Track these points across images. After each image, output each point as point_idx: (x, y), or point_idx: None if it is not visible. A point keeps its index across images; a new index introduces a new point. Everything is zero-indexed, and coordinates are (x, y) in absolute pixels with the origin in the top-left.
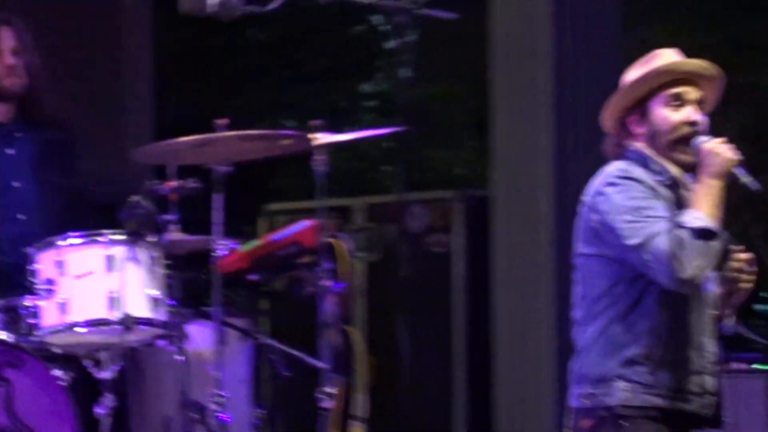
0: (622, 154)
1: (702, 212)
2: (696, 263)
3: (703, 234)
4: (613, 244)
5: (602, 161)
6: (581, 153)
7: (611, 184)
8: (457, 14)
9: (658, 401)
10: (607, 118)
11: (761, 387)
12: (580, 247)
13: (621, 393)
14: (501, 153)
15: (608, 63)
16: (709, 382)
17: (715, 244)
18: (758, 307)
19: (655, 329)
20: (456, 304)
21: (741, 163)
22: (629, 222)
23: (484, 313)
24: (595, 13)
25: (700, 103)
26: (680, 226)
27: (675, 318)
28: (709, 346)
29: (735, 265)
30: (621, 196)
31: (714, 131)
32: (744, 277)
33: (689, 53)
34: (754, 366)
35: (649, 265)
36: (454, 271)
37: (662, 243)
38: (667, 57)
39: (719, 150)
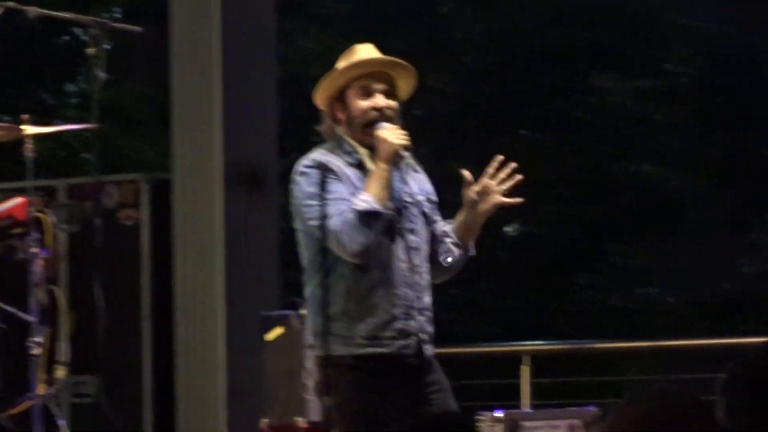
0: (333, 136)
1: (369, 194)
2: (359, 240)
3: (365, 215)
4: (305, 224)
5: (267, 148)
6: (248, 143)
7: (300, 173)
8: (142, 27)
9: (355, 350)
10: (319, 104)
11: None
12: (294, 223)
13: (328, 345)
14: (179, 143)
15: (267, 69)
16: (411, 325)
17: (378, 224)
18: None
19: (351, 289)
20: (143, 268)
21: (407, 149)
22: (311, 206)
23: (167, 275)
24: (256, 29)
25: (389, 93)
26: (352, 207)
27: (367, 278)
28: (409, 294)
29: (470, 195)
30: (306, 182)
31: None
32: (481, 203)
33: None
34: None
35: (326, 242)
36: (142, 240)
37: (332, 223)
38: (362, 52)
39: (386, 136)
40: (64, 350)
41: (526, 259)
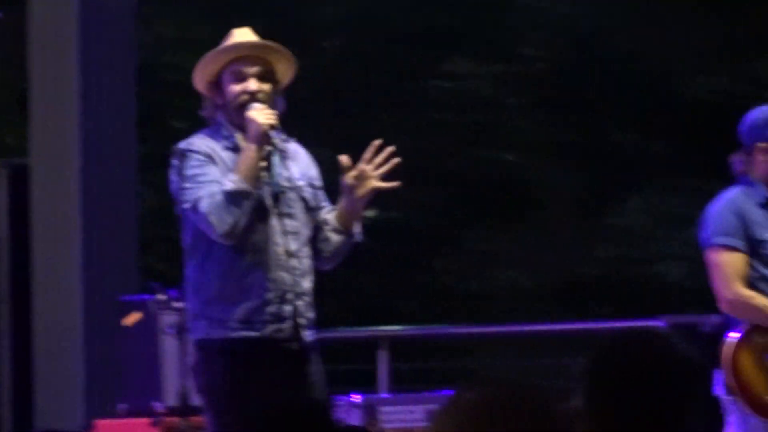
0: (213, 120)
1: (237, 175)
2: (227, 220)
3: (232, 195)
4: (180, 207)
5: (125, 134)
6: (105, 128)
7: (176, 157)
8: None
9: (229, 333)
10: (199, 89)
11: None
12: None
13: (202, 329)
14: (37, 129)
15: (126, 53)
16: (285, 309)
17: (247, 203)
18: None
19: (226, 272)
20: (2, 250)
21: (273, 128)
22: (184, 189)
23: (25, 260)
24: (115, 14)
25: (264, 76)
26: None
27: (242, 261)
28: (285, 278)
29: (347, 180)
30: (181, 166)
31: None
32: (359, 188)
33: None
34: None
35: (199, 224)
36: (0, 224)
37: (202, 205)
38: (237, 36)
39: (254, 116)
40: None
41: (382, 244)
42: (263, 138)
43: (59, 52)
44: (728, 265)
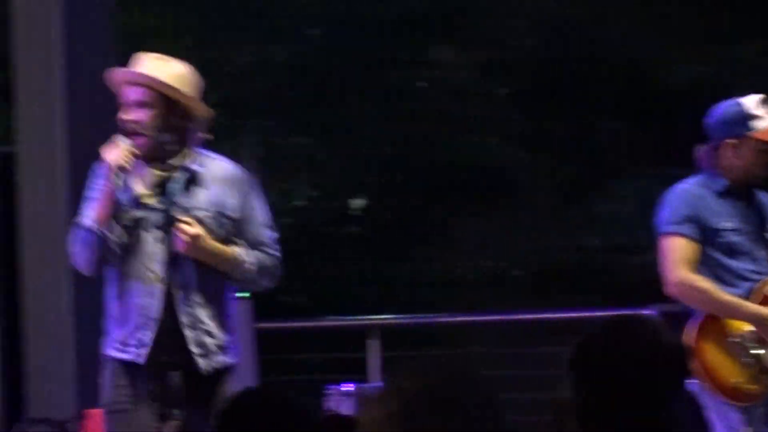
0: None
1: (89, 212)
2: (77, 253)
3: (84, 232)
4: None
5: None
6: (90, 115)
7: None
8: None
9: (114, 353)
10: None
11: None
12: None
13: (105, 345)
14: (23, 117)
15: (109, 41)
16: (147, 335)
17: (96, 241)
18: None
19: (115, 294)
20: None
21: (122, 168)
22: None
23: (12, 245)
24: (98, 4)
25: (148, 103)
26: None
27: (125, 285)
28: (150, 308)
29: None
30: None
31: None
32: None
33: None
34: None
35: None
36: None
37: (72, 233)
38: (134, 62)
39: (105, 152)
40: None
41: (370, 233)
42: (112, 173)
43: (43, 40)
44: (676, 251)
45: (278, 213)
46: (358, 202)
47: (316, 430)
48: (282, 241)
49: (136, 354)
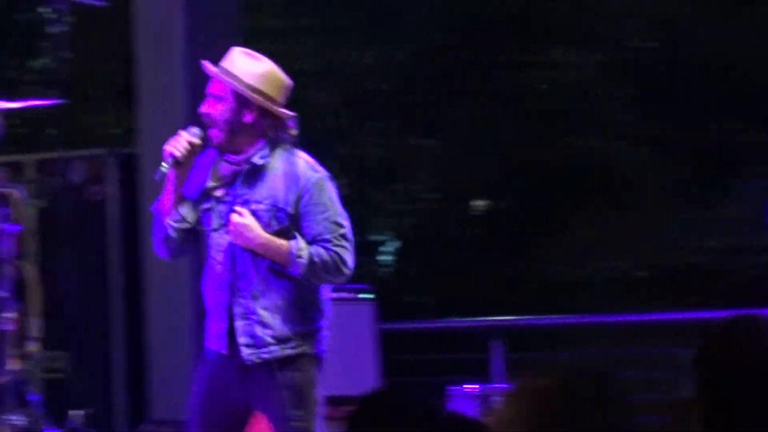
0: None
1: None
2: (153, 239)
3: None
4: None
5: None
6: None
7: None
8: (106, 2)
9: (207, 343)
10: None
11: (368, 313)
12: None
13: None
14: (145, 118)
15: (231, 42)
16: (221, 326)
17: (168, 226)
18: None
19: (203, 288)
20: (111, 242)
21: (175, 159)
22: None
23: (135, 247)
24: (221, 4)
25: (219, 97)
26: None
27: (205, 280)
28: (220, 299)
29: None
30: None
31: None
32: None
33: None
34: (361, 295)
35: None
36: (109, 215)
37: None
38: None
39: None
40: (35, 326)
41: (489, 233)
42: (169, 162)
43: (165, 41)
44: None
45: (401, 214)
46: (480, 203)
47: (446, 430)
48: (405, 243)
49: (218, 345)
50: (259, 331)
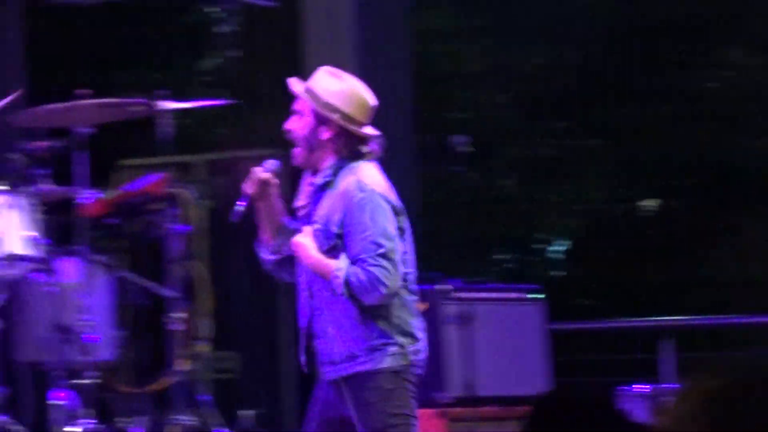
0: None
1: None
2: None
3: None
4: None
5: (403, 124)
6: (381, 118)
7: None
8: (275, 2)
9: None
10: None
11: (538, 313)
12: None
13: None
14: None
15: (402, 42)
16: (302, 345)
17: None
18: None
19: None
20: None
21: (264, 182)
22: None
23: None
24: (392, 4)
25: (299, 114)
26: None
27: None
28: (302, 318)
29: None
30: None
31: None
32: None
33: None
34: (530, 295)
35: None
36: None
37: None
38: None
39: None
40: (205, 326)
41: (659, 234)
42: (257, 189)
43: (334, 41)
44: None
45: (570, 214)
46: (650, 203)
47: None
48: (575, 243)
49: (303, 362)
50: (332, 348)
